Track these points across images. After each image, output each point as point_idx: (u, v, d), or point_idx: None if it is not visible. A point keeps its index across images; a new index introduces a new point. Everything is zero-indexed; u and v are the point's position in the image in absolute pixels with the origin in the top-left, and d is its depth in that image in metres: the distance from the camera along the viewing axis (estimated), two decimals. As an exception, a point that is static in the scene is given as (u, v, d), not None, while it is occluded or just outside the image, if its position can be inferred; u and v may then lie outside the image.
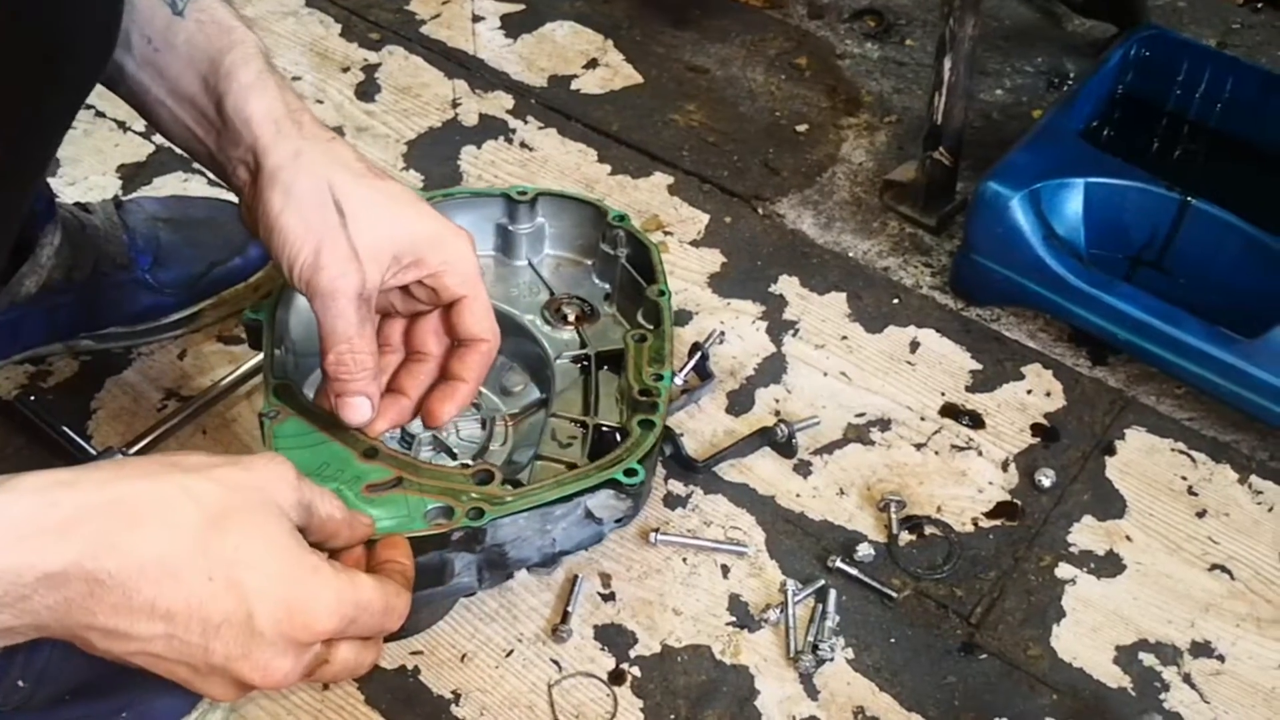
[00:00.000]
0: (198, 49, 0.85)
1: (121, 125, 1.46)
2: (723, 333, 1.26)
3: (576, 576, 1.05)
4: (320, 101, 1.50)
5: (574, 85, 1.56)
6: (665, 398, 1.00)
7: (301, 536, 0.70)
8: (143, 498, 0.64)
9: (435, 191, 1.13)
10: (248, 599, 0.64)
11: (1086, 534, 1.11)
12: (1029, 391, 1.23)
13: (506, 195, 1.14)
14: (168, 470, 0.66)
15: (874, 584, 1.06)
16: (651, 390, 1.01)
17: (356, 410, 0.88)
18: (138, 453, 1.10)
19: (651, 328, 1.08)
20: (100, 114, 1.46)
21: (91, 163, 1.41)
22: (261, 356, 1.00)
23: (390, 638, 0.99)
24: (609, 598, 1.05)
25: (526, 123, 1.50)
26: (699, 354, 1.22)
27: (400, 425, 0.96)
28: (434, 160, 1.44)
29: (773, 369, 1.24)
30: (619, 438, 0.99)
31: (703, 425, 1.18)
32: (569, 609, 1.03)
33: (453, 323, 0.92)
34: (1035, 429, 1.19)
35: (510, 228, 1.15)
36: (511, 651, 1.02)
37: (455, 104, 1.52)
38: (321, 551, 0.72)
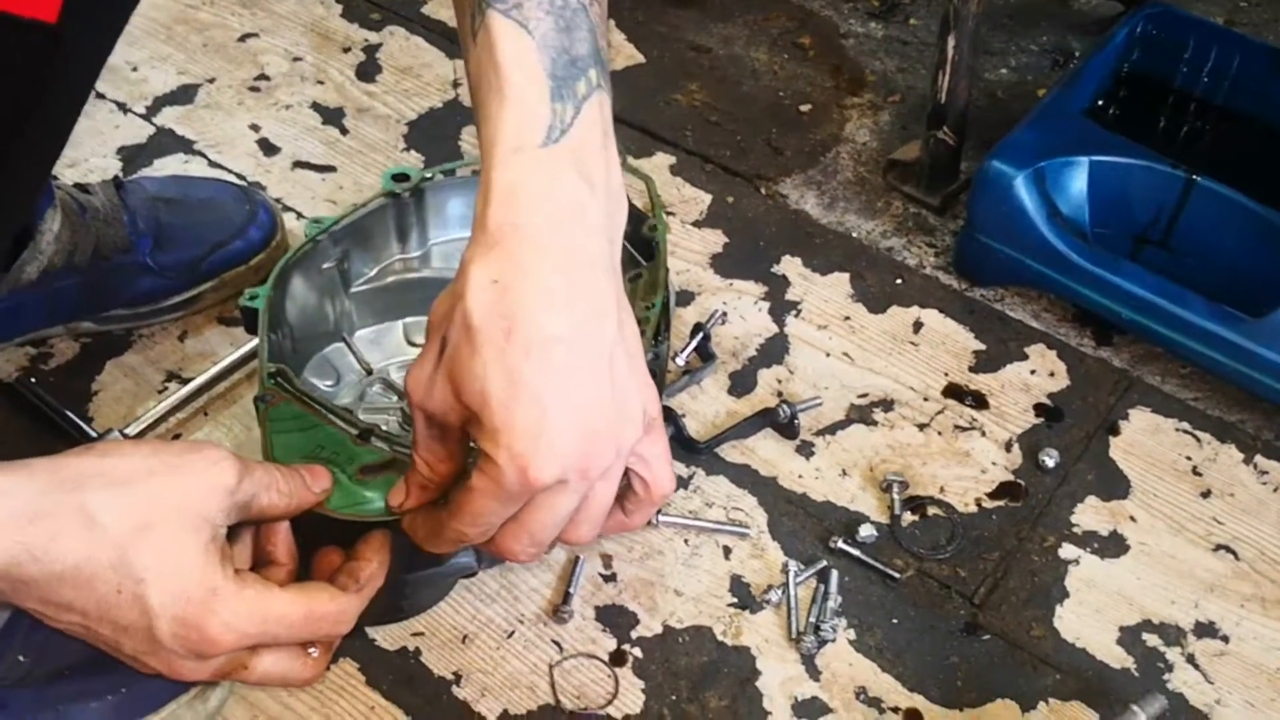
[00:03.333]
0: None
1: (122, 107, 1.45)
2: (724, 313, 1.26)
3: (578, 558, 1.05)
4: (321, 82, 1.50)
5: (576, 65, 1.55)
6: (652, 323, 1.00)
7: (215, 550, 0.74)
8: (66, 513, 0.70)
9: (435, 169, 1.12)
10: (149, 613, 0.71)
11: (1090, 514, 1.11)
12: (1033, 372, 1.22)
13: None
14: (97, 484, 0.71)
15: (876, 564, 1.06)
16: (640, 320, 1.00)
17: None
18: (138, 434, 1.11)
19: (645, 262, 1.07)
20: (100, 95, 1.46)
21: (92, 144, 1.41)
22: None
23: (391, 619, 1.00)
24: (610, 579, 1.05)
25: (528, 103, 1.49)
26: (700, 334, 1.21)
27: None
28: (435, 140, 1.44)
29: (775, 350, 1.23)
30: None
31: (704, 406, 1.18)
32: (570, 590, 1.03)
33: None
34: (1039, 409, 1.19)
35: None
36: (513, 633, 1.02)
37: (456, 84, 1.51)
38: (242, 561, 0.79)
